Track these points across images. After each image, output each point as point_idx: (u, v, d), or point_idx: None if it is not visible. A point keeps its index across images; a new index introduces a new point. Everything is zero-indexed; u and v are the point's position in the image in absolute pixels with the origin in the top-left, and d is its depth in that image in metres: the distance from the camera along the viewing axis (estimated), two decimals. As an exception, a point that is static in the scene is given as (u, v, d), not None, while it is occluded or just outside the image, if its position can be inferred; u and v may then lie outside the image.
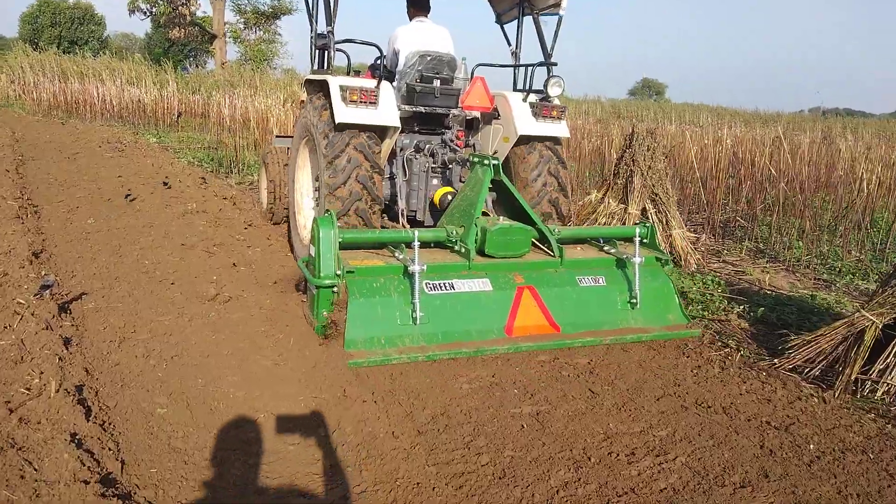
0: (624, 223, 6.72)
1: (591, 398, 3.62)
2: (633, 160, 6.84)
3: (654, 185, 6.83)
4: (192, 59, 40.92)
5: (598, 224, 6.88)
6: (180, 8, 28.33)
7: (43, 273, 4.74)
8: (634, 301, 4.47)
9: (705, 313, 5.11)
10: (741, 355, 4.33)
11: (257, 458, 2.87)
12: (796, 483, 2.93)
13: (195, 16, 29.53)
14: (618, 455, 3.08)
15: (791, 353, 4.19)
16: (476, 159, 4.78)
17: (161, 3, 27.63)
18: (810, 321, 4.95)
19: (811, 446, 3.26)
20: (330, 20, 5.00)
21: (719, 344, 4.53)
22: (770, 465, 3.06)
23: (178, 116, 17.85)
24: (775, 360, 4.23)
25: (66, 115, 19.42)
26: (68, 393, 3.05)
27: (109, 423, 2.99)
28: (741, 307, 5.22)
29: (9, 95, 22.27)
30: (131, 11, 28.04)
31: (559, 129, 5.45)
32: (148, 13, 28.70)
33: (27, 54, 23.20)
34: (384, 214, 5.30)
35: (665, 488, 2.85)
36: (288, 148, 6.69)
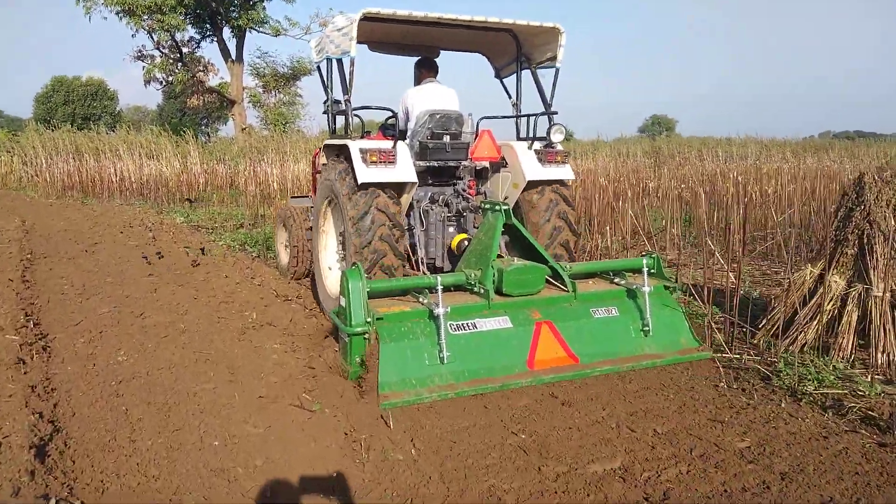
0: (867, 313, 4.77)
1: None
2: (868, 220, 4.90)
3: (905, 256, 4.87)
4: (205, 126, 39.79)
5: (822, 312, 4.92)
6: (198, 75, 27.12)
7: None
8: (647, 328, 4.63)
9: None
10: None
11: None
12: None
13: (212, 83, 28.39)
14: None
15: None
16: (488, 206, 5.08)
17: (178, 71, 26.36)
18: None
19: None
20: (346, 89, 5.38)
21: None
22: None
23: (191, 203, 16.12)
24: None
25: (82, 195, 17.83)
26: None
27: None
28: None
29: (21, 178, 20.82)
30: (147, 82, 26.80)
31: (564, 172, 5.75)
32: (164, 82, 27.48)
33: (39, 133, 21.81)
34: (404, 265, 5.36)
35: None
36: (306, 207, 7.21)
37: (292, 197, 8.07)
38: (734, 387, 4.24)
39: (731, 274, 6.02)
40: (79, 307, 6.09)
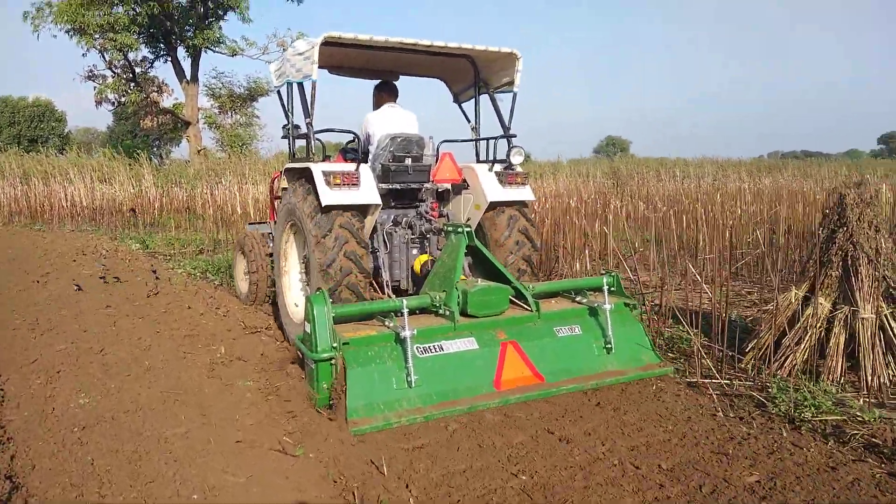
0: (854, 334, 4.74)
1: None
2: (851, 241, 4.89)
3: (888, 276, 4.87)
4: (157, 148, 38.87)
5: (809, 335, 4.88)
6: (152, 96, 26.48)
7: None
8: (609, 346, 4.74)
9: None
10: None
11: None
12: None
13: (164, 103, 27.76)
14: None
15: None
16: (450, 228, 5.12)
17: (131, 91, 25.68)
18: None
19: None
20: (308, 113, 5.35)
21: None
22: None
23: (133, 212, 15.77)
24: None
25: (30, 221, 17.11)
26: None
27: None
28: None
29: (-36, 204, 19.93)
30: (98, 103, 26.08)
31: (525, 193, 5.86)
32: (116, 103, 26.74)
33: (-17, 157, 20.96)
34: (370, 283, 5.37)
35: None
36: (264, 233, 7.21)
37: (249, 223, 8.00)
38: (731, 415, 4.12)
39: (711, 296, 5.98)
40: (33, 343, 5.71)
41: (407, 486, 3.22)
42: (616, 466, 3.42)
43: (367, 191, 5.14)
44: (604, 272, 5.17)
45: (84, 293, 7.77)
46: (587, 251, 7.41)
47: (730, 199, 14.19)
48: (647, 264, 8.52)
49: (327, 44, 5.13)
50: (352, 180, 5.06)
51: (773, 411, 4.14)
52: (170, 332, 6.07)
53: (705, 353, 5.06)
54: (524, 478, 3.31)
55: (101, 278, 8.56)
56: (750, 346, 5.20)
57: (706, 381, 4.71)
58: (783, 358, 4.94)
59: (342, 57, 6.05)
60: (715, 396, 4.43)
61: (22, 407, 4.23)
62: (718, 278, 5.84)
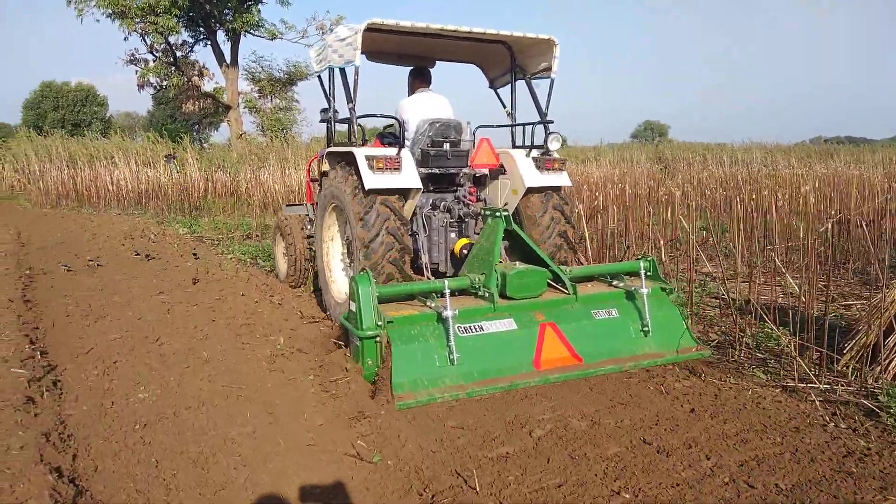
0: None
1: None
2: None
3: None
4: (195, 132, 39.07)
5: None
6: (193, 79, 26.50)
7: None
8: (647, 329, 4.75)
9: None
10: None
11: None
12: None
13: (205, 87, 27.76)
14: None
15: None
16: (488, 212, 5.22)
17: (172, 75, 25.72)
18: None
19: None
20: (350, 98, 5.44)
21: None
22: None
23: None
24: None
25: (77, 204, 17.21)
26: None
27: None
28: None
29: (13, 186, 20.17)
30: (140, 86, 26.15)
31: (562, 179, 5.84)
32: (158, 87, 26.84)
33: (31, 139, 21.16)
34: (410, 257, 5.38)
35: None
36: (301, 215, 7.35)
37: (287, 205, 8.13)
38: (843, 426, 3.75)
39: (796, 290, 5.57)
40: (87, 331, 5.55)
41: (500, 503, 2.93)
42: (728, 485, 3.08)
43: (409, 175, 5.19)
44: (639, 257, 5.21)
45: (135, 278, 7.63)
46: (654, 241, 7.00)
47: (790, 185, 13.59)
48: (709, 254, 8.09)
49: (370, 30, 5.14)
50: (394, 164, 5.11)
51: (888, 422, 3.75)
52: (225, 320, 5.88)
53: (786, 352, 4.67)
54: (627, 496, 2.99)
55: (146, 256, 8.46)
56: (848, 346, 4.80)
57: (804, 385, 4.33)
58: (887, 361, 4.53)
59: (382, 43, 6.02)
60: (818, 403, 4.06)
61: (80, 400, 4.04)
62: (815, 275, 5.39)
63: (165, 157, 18.38)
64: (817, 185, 11.11)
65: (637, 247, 7.80)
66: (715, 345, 5.23)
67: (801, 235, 6.86)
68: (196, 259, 8.94)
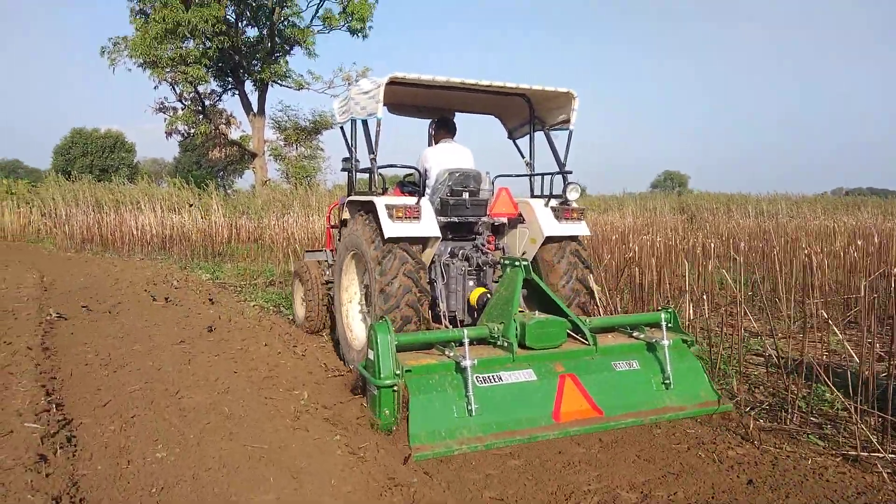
0: None
1: None
2: None
3: None
4: (220, 179, 39.54)
5: None
6: (221, 127, 26.90)
7: None
8: (668, 381, 4.67)
9: None
10: None
11: None
12: None
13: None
14: None
15: None
16: (507, 261, 5.31)
17: (200, 123, 26.13)
18: None
19: None
20: (372, 149, 5.54)
21: None
22: None
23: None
24: None
25: (101, 248, 17.28)
26: None
27: None
28: None
29: (39, 230, 20.36)
30: (169, 134, 26.64)
31: (580, 228, 5.88)
32: (186, 134, 27.26)
33: (59, 184, 21.43)
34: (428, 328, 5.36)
35: None
36: (320, 261, 7.42)
37: (307, 251, 8.29)
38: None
39: (847, 347, 5.25)
40: (105, 382, 5.36)
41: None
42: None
43: (428, 224, 5.26)
44: (660, 308, 5.17)
45: (157, 326, 7.47)
46: (690, 293, 6.72)
47: (822, 238, 13.27)
48: (747, 309, 7.77)
49: (392, 83, 5.27)
50: (414, 213, 5.18)
51: (970, 499, 3.41)
52: (247, 372, 5.67)
53: (854, 419, 4.34)
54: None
55: (165, 299, 8.31)
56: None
57: (867, 454, 4.00)
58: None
59: (402, 95, 6.15)
60: (886, 476, 3.72)
61: (95, 459, 3.82)
62: (856, 327, 5.08)
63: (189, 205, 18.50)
64: (854, 238, 10.79)
65: (673, 299, 7.51)
66: (765, 407, 4.91)
67: (852, 289, 6.54)
68: (213, 304, 8.80)
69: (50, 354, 6.15)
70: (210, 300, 9.18)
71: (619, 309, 7.26)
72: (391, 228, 5.07)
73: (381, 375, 4.11)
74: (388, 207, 5.13)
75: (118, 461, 3.79)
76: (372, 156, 5.55)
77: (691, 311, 6.72)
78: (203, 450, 3.99)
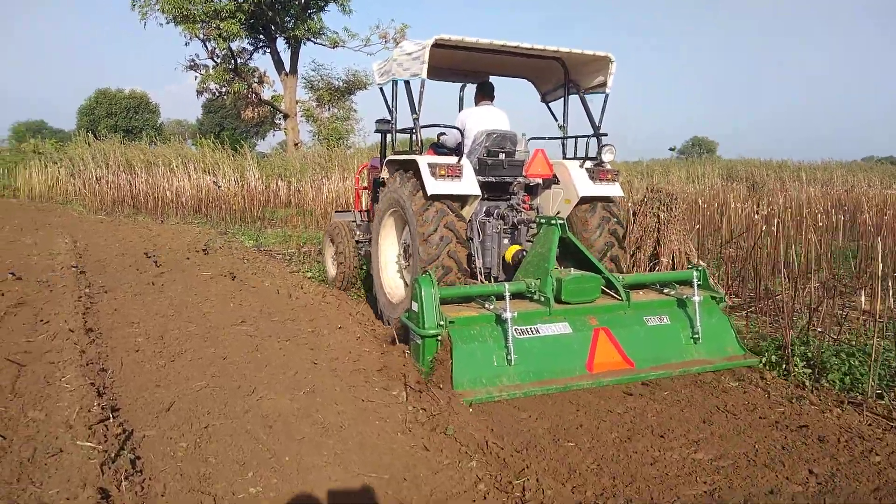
0: None
1: None
2: None
3: None
4: (248, 140, 38.58)
5: None
6: (253, 86, 25.83)
7: None
8: (697, 336, 4.83)
9: None
10: None
11: None
12: None
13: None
14: None
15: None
16: (543, 220, 5.37)
17: (234, 81, 25.06)
18: None
19: None
20: (414, 109, 5.63)
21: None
22: None
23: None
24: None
25: (133, 210, 16.46)
26: None
27: None
28: None
29: (68, 191, 19.59)
30: (199, 93, 25.60)
31: (614, 189, 5.95)
32: (217, 93, 26.23)
33: (89, 143, 20.59)
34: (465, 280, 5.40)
35: None
36: (350, 221, 7.63)
37: (336, 211, 8.48)
38: None
39: None
40: (163, 375, 4.46)
41: None
42: None
43: (469, 182, 5.35)
44: (690, 266, 5.29)
45: (208, 301, 6.57)
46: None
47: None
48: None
49: (437, 46, 5.29)
50: (456, 172, 5.28)
51: None
52: (328, 363, 4.75)
53: None
54: None
55: (232, 276, 7.42)
56: None
57: None
58: None
59: (440, 58, 6.04)
60: None
61: (170, 495, 2.89)
62: None
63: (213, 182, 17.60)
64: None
65: (805, 279, 6.45)
66: None
67: None
68: (269, 277, 7.89)
69: (94, 338, 5.26)
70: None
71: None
72: (434, 186, 5.18)
73: (426, 326, 4.30)
74: (431, 166, 5.23)
75: (201, 499, 2.87)
76: (415, 115, 5.59)
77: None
78: (305, 478, 3.08)
